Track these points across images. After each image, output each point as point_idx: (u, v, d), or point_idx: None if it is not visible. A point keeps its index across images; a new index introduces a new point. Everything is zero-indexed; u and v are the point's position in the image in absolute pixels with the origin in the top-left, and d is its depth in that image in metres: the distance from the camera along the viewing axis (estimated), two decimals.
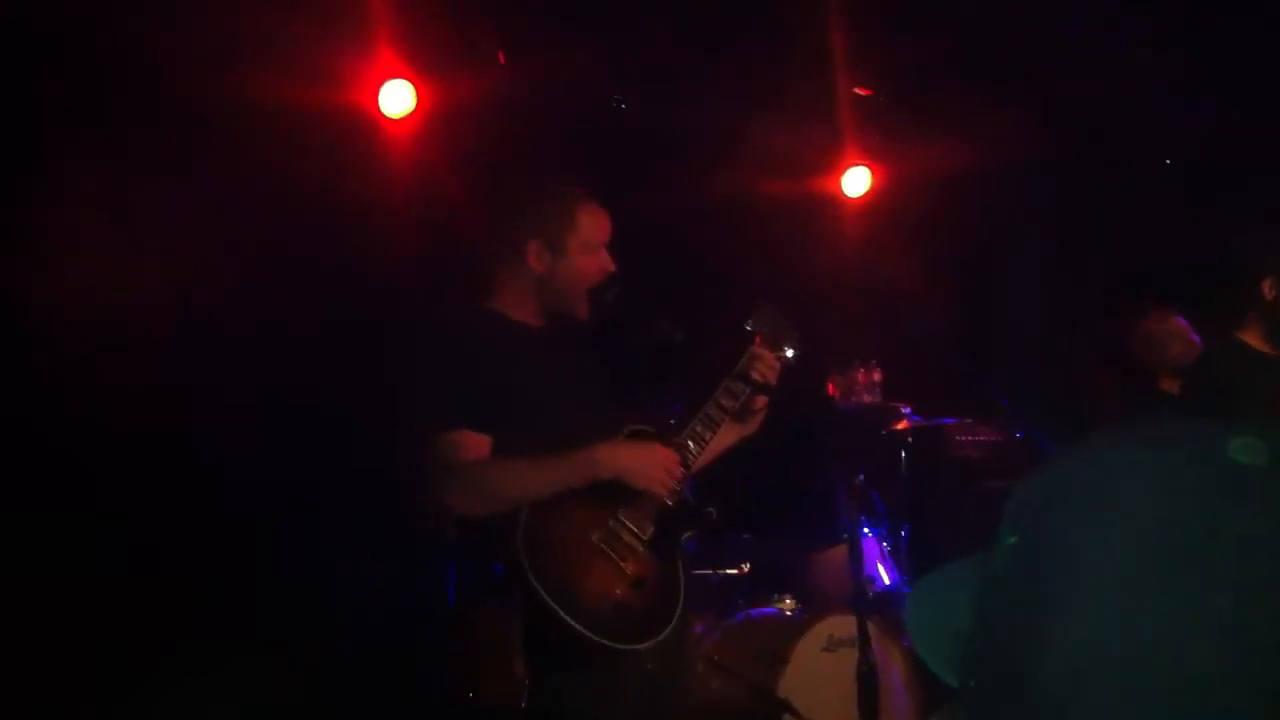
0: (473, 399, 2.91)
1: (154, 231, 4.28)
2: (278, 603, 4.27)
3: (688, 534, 3.03)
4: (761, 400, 3.23)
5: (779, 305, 3.37)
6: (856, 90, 5.07)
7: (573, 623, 2.71)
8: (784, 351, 3.29)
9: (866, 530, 4.84)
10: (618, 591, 2.83)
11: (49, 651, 3.89)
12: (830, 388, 4.71)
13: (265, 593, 4.25)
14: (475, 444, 2.89)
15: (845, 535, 3.86)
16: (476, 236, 3.46)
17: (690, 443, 3.05)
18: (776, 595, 4.61)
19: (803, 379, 4.48)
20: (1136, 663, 0.61)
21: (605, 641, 2.74)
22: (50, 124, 4.16)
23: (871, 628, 3.75)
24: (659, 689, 2.91)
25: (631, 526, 2.90)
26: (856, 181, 5.48)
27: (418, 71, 4.53)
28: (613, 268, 3.11)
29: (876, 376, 4.75)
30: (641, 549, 2.90)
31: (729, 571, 4.67)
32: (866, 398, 4.73)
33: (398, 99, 4.50)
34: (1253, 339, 3.80)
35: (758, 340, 3.26)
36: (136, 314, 4.22)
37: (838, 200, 5.52)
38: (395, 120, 4.51)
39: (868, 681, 3.20)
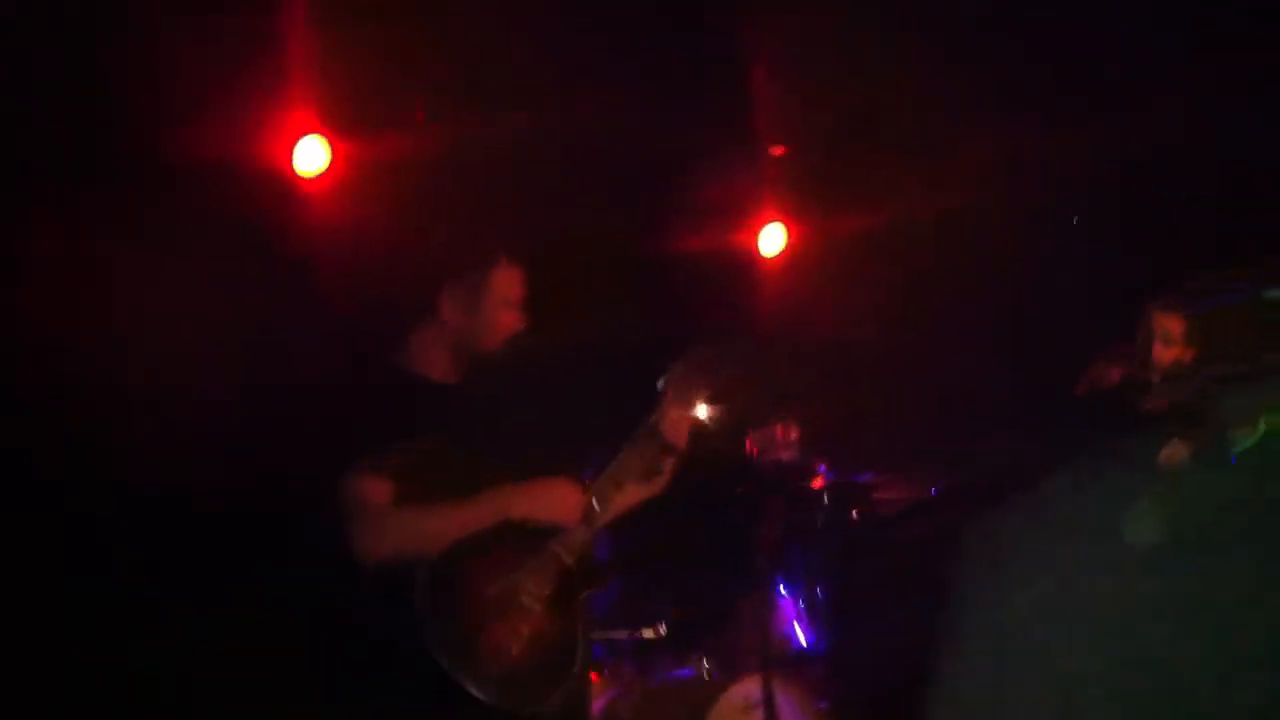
0: (376, 448, 2.96)
1: (73, 291, 4.23)
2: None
3: (587, 593, 3.04)
4: (669, 460, 3.22)
5: (696, 362, 3.30)
6: (771, 150, 5.11)
7: (470, 686, 2.75)
8: (695, 410, 3.24)
9: (782, 590, 4.83)
10: (513, 651, 2.83)
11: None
12: (748, 444, 4.71)
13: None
14: (377, 489, 2.93)
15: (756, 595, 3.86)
16: (389, 293, 3.46)
17: (594, 500, 3.06)
18: (695, 655, 4.59)
19: (718, 438, 4.47)
20: None
21: (499, 703, 2.75)
22: None
23: (786, 689, 3.75)
24: None
25: (530, 587, 2.90)
26: (772, 239, 5.50)
27: (332, 128, 4.52)
28: (524, 325, 3.13)
29: (794, 434, 4.76)
30: (539, 608, 2.90)
31: (645, 634, 4.64)
32: (784, 455, 4.73)
33: (312, 156, 4.48)
34: None
35: (668, 396, 3.22)
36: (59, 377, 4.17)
37: (756, 257, 5.54)
38: (309, 178, 4.49)
39: None
